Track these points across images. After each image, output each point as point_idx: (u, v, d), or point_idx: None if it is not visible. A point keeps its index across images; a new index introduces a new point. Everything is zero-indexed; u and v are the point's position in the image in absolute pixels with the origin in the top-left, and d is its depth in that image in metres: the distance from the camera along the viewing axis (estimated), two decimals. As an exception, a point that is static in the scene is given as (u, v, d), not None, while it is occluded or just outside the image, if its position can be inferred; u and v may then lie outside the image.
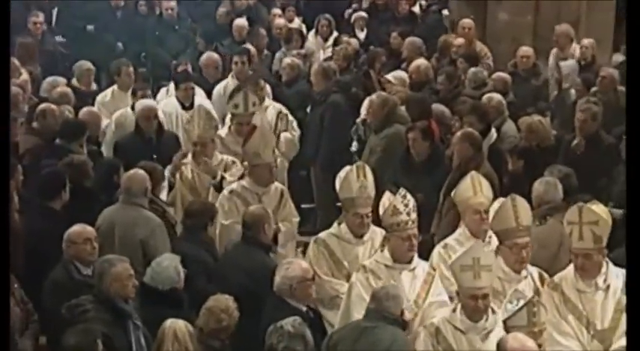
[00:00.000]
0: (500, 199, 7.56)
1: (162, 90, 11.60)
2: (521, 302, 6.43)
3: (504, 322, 6.46)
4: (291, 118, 10.68)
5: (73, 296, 6.82)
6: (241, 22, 14.11)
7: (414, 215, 7.29)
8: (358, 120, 10.69)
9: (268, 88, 11.15)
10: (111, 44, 14.20)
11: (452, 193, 8.03)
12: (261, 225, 7.82)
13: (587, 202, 8.35)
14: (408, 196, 7.36)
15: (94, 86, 11.83)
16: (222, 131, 10.02)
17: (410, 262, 7.26)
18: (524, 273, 7.13)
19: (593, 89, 11.10)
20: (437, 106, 10.49)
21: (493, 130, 9.80)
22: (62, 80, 11.48)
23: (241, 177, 8.98)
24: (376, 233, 7.84)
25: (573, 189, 8.61)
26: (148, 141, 9.82)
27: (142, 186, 8.16)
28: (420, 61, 11.78)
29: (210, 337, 6.57)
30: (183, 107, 10.63)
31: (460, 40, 12.75)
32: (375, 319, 6.47)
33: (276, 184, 8.93)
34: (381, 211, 7.48)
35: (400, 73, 11.53)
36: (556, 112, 11.61)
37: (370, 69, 12.07)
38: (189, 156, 9.28)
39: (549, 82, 12.25)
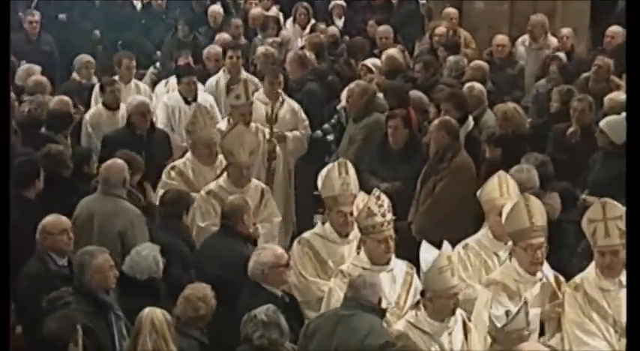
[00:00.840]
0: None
1: (161, 83, 11.45)
2: (501, 308, 6.28)
3: (502, 328, 6.31)
4: (303, 116, 10.46)
5: (49, 287, 6.79)
6: (216, 8, 14.08)
7: (389, 216, 7.11)
8: (339, 107, 10.66)
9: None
10: (88, 32, 14.13)
11: (477, 193, 7.67)
12: (241, 215, 7.77)
13: (564, 191, 8.43)
14: (382, 196, 7.18)
15: (94, 79, 11.67)
16: (222, 124, 9.83)
17: (388, 263, 7.11)
18: (539, 275, 6.91)
19: (585, 75, 11.09)
20: (414, 93, 10.50)
21: (470, 118, 9.80)
22: (37, 68, 11.41)
23: (219, 175, 8.81)
24: None
25: (549, 176, 8.65)
26: (138, 138, 9.61)
27: (120, 176, 8.10)
28: (392, 50, 11.76)
29: (188, 326, 6.57)
30: (186, 102, 10.48)
31: (442, 29, 12.72)
32: (353, 307, 6.45)
33: (256, 182, 8.75)
34: (355, 213, 7.33)
35: (377, 61, 11.51)
36: (535, 101, 11.70)
37: (352, 58, 12.03)
38: (189, 155, 9.09)
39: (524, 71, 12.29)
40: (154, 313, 6.19)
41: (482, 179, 8.94)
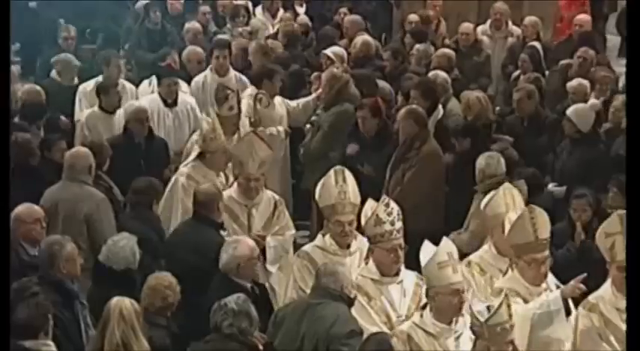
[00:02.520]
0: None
1: (144, 83, 10.98)
2: (482, 303, 6.03)
3: (485, 322, 5.94)
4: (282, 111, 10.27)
5: (20, 277, 6.71)
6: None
7: (398, 224, 6.82)
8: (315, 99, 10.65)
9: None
10: (53, 21, 14.03)
11: (481, 206, 7.34)
12: (215, 203, 7.74)
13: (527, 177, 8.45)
14: (392, 204, 6.92)
15: (75, 80, 11.24)
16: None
17: (397, 274, 6.84)
18: (544, 285, 6.63)
19: (562, 62, 11.16)
20: (380, 82, 10.52)
21: (440, 106, 9.83)
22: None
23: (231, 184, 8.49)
24: (365, 244, 7.20)
25: (515, 162, 8.73)
26: (137, 146, 9.30)
27: (85, 163, 8.08)
28: (360, 38, 11.73)
29: (157, 315, 6.56)
30: (166, 104, 10.13)
31: (414, 17, 12.72)
32: (320, 295, 6.47)
33: (270, 194, 8.35)
34: (363, 221, 7.04)
35: (338, 50, 11.40)
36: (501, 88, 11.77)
37: (322, 48, 11.96)
38: (196, 162, 8.60)
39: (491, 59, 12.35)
40: (122, 303, 6.14)
41: (454, 169, 9.01)
